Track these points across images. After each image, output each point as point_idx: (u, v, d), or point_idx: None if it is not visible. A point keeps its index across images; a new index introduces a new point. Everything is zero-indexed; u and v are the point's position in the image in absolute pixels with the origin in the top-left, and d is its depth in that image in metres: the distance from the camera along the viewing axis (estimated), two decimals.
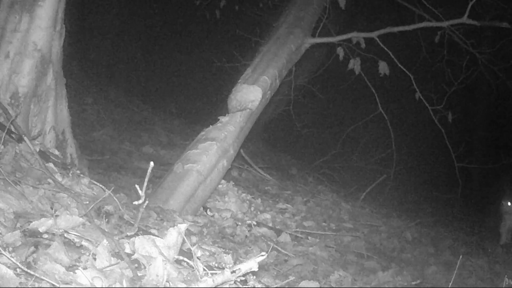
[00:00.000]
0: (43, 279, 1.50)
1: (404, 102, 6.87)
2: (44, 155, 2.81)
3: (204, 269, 1.65)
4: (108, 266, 1.66)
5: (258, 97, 3.68)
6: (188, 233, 2.82)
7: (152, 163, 1.75)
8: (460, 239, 5.50)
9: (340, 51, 4.57)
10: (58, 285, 1.50)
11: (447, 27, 4.78)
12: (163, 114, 7.44)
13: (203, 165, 3.37)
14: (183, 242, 1.74)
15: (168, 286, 1.54)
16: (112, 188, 2.46)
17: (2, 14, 3.01)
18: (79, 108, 5.72)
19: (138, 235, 1.73)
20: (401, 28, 4.63)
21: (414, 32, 5.31)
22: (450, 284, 2.54)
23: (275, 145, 7.67)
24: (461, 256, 3.01)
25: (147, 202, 1.73)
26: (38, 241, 1.79)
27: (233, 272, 1.56)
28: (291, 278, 2.37)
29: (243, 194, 4.01)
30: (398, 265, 3.69)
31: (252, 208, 3.89)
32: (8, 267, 1.48)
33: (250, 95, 3.67)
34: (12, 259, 1.55)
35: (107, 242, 1.74)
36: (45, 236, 1.81)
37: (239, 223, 3.40)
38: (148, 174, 1.75)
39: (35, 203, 2.22)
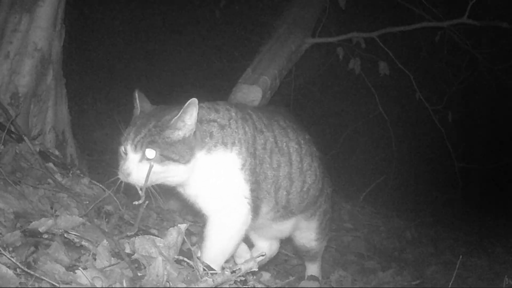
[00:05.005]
0: (43, 279, 1.50)
1: (404, 102, 6.87)
2: (44, 155, 2.81)
3: (204, 269, 1.65)
4: (108, 266, 1.66)
5: (258, 97, 3.68)
6: (188, 233, 2.82)
7: (152, 163, 1.75)
8: (460, 239, 5.50)
9: (340, 51, 4.57)
10: (58, 285, 1.50)
11: (447, 27, 4.78)
12: None
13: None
14: (183, 242, 1.74)
15: (168, 286, 1.54)
16: (112, 188, 2.46)
17: (2, 14, 3.01)
18: (79, 108, 5.72)
19: (138, 235, 1.73)
20: (401, 28, 4.64)
21: (414, 32, 5.31)
22: (450, 284, 2.54)
23: None
24: (461, 256, 3.01)
25: (147, 202, 1.73)
26: (38, 241, 1.79)
27: (233, 272, 1.56)
28: (291, 278, 2.38)
29: None
30: (398, 265, 3.69)
31: None
32: (8, 267, 1.48)
33: (250, 95, 3.67)
34: (12, 259, 1.55)
35: (107, 242, 1.74)
36: (45, 236, 1.81)
37: None
38: (148, 174, 1.75)
39: (35, 203, 2.22)
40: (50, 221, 1.85)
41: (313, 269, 2.71)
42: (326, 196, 2.51)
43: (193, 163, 1.89)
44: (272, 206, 2.16)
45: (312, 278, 2.68)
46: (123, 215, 2.46)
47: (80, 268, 1.59)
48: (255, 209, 2.05)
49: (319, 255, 2.72)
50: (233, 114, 2.03)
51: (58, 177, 2.63)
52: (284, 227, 2.41)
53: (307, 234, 2.53)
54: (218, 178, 1.97)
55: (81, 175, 2.86)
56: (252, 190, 2.02)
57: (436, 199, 7.29)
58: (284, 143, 2.18)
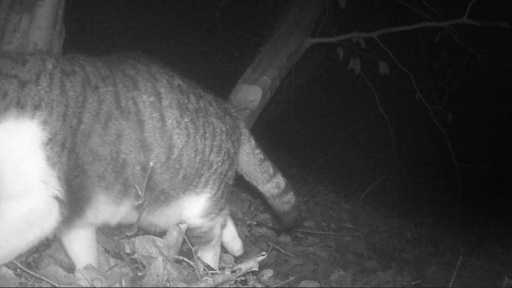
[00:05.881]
0: (43, 279, 1.49)
1: (404, 102, 6.87)
2: None
3: (204, 269, 1.65)
4: (108, 270, 1.66)
5: (258, 97, 3.68)
6: None
7: (151, 163, 1.75)
8: (460, 239, 5.50)
9: (340, 51, 4.58)
10: (58, 286, 1.49)
11: (447, 27, 4.78)
12: None
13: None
14: (183, 242, 1.74)
15: (168, 286, 1.54)
16: None
17: (2, 14, 3.01)
18: None
19: (138, 235, 1.73)
20: (401, 28, 4.64)
21: (414, 32, 5.32)
22: (450, 284, 2.54)
23: (275, 145, 7.68)
24: (461, 256, 3.01)
25: (147, 202, 1.73)
26: None
27: (233, 272, 1.56)
28: (291, 278, 2.37)
29: (243, 194, 4.01)
30: (398, 265, 3.69)
31: (252, 208, 3.89)
32: (8, 267, 1.48)
33: (250, 95, 3.67)
34: None
35: (107, 242, 1.74)
36: None
37: (239, 223, 3.41)
38: (148, 174, 1.75)
39: None
40: None
41: (205, 259, 1.94)
42: (225, 155, 1.89)
43: None
44: (119, 193, 1.61)
45: None
46: None
47: (80, 268, 1.59)
48: (78, 204, 1.50)
49: (214, 237, 1.96)
50: (49, 66, 1.49)
51: None
52: (167, 217, 1.82)
53: (194, 207, 1.87)
54: (8, 154, 1.39)
55: None
56: (70, 179, 1.47)
57: (436, 199, 7.30)
58: (130, 100, 1.62)
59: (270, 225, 3.64)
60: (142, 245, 1.66)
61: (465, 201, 6.94)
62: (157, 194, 1.72)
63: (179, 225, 1.74)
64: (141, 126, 1.62)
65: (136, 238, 1.68)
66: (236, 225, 3.36)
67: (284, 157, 7.22)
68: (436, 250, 4.63)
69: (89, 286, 1.52)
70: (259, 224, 3.50)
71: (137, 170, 1.62)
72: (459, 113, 5.58)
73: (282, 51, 4.02)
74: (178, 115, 1.72)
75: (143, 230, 1.91)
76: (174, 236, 1.70)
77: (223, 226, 2.01)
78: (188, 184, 1.78)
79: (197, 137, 1.78)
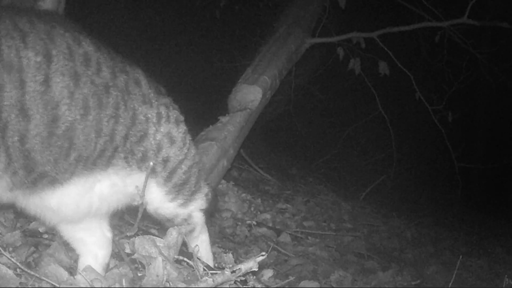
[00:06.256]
0: (43, 279, 1.50)
1: (404, 102, 6.88)
2: None
3: (204, 269, 1.65)
4: (107, 270, 1.66)
5: (258, 97, 3.68)
6: None
7: (151, 163, 1.75)
8: (460, 239, 5.50)
9: (340, 51, 4.58)
10: (58, 286, 1.50)
11: (447, 27, 4.79)
12: None
13: (203, 165, 3.36)
14: (183, 242, 1.74)
15: (168, 286, 1.54)
16: None
17: None
18: None
19: (138, 235, 1.73)
20: (401, 28, 4.65)
21: (414, 32, 5.32)
22: (450, 284, 2.55)
23: (275, 145, 7.69)
24: (461, 256, 3.01)
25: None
26: (38, 241, 1.79)
27: (233, 272, 1.56)
28: (291, 278, 2.37)
29: (243, 194, 4.01)
30: (398, 265, 3.69)
31: (252, 208, 3.89)
32: (8, 267, 1.48)
33: (250, 95, 3.67)
34: (12, 259, 1.55)
35: None
36: (45, 236, 1.82)
37: (239, 223, 3.41)
38: (147, 174, 1.75)
39: None
40: None
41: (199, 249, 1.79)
42: (166, 137, 1.71)
43: None
44: (5, 164, 1.38)
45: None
46: (123, 215, 2.46)
47: (80, 268, 1.59)
48: None
49: (195, 226, 1.84)
50: None
51: None
52: (51, 202, 1.53)
53: (150, 193, 1.72)
54: None
55: None
56: None
57: (436, 199, 7.31)
58: (14, 52, 1.38)
59: (270, 225, 3.65)
60: (142, 245, 1.66)
61: (465, 201, 6.95)
62: (36, 177, 1.44)
63: (179, 226, 1.74)
64: (22, 86, 1.37)
65: (136, 238, 1.68)
66: (236, 225, 3.38)
67: (284, 157, 7.23)
68: (436, 250, 4.64)
69: (88, 287, 1.52)
70: (259, 224, 3.50)
71: (16, 140, 1.37)
72: (459, 113, 5.59)
73: (282, 51, 4.02)
74: (71, 84, 1.45)
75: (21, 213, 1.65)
76: (174, 236, 1.70)
77: (204, 210, 1.84)
78: (92, 165, 1.54)
79: (102, 116, 1.51)
